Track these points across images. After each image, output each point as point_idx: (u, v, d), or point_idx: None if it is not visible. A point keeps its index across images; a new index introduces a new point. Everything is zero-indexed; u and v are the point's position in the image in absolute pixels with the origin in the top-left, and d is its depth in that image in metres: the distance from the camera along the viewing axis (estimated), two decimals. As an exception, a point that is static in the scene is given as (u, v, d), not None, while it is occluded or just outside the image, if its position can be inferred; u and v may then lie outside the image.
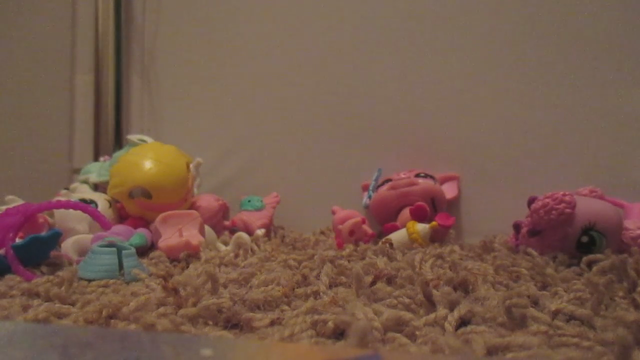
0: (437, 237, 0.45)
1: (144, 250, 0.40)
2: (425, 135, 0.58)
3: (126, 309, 0.21)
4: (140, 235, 0.40)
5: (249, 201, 0.56)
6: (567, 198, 0.38)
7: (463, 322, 0.20)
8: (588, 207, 0.39)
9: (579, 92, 0.54)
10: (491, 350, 0.17)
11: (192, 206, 0.50)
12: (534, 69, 0.55)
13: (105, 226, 0.40)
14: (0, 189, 0.50)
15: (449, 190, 0.55)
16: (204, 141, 0.67)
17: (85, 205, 0.41)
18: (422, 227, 0.44)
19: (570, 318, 0.21)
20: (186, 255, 0.38)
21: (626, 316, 0.20)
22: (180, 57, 0.71)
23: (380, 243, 0.42)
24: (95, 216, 0.41)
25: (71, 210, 0.40)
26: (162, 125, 0.71)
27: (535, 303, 0.22)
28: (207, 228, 0.44)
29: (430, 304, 0.22)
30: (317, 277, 0.29)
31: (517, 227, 0.43)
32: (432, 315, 0.20)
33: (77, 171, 0.67)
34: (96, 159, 0.67)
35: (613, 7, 0.53)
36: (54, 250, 0.36)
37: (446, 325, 0.20)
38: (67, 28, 0.74)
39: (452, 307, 0.21)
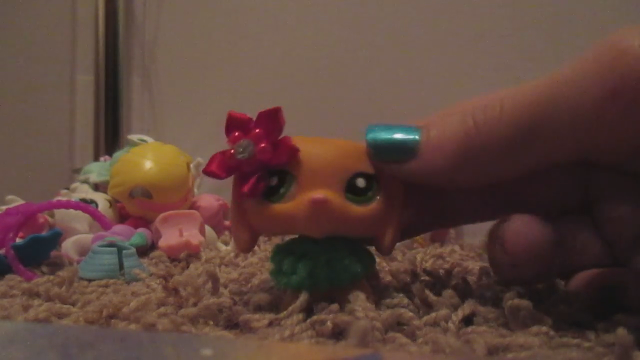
0: (437, 237, 0.45)
1: (144, 250, 0.40)
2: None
3: (126, 308, 0.21)
4: (140, 235, 0.40)
5: (249, 201, 0.55)
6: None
7: (464, 322, 0.20)
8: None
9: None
10: (492, 351, 0.17)
11: (192, 206, 0.50)
12: (535, 68, 0.55)
13: (106, 226, 0.40)
14: (0, 189, 0.50)
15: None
16: (204, 141, 0.67)
17: (86, 205, 0.41)
18: (422, 227, 0.44)
19: (571, 319, 0.21)
20: (186, 255, 0.38)
21: (627, 317, 0.20)
22: (181, 57, 0.71)
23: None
24: (96, 216, 0.41)
25: (71, 210, 0.40)
26: (162, 125, 0.71)
27: (536, 303, 0.22)
28: (207, 228, 0.44)
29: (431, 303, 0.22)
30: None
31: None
32: (433, 315, 0.20)
33: (77, 171, 0.67)
34: (96, 159, 0.67)
35: (615, 5, 0.53)
36: (54, 250, 0.36)
37: (450, 325, 0.20)
38: (67, 28, 0.74)
39: (453, 307, 0.21)
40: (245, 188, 0.20)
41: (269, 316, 0.21)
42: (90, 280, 0.30)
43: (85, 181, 0.54)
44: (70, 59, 0.73)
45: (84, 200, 0.44)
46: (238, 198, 0.22)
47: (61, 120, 0.74)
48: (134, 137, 0.54)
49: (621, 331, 0.16)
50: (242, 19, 0.68)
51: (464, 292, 0.24)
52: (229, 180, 0.22)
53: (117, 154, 0.53)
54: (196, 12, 0.70)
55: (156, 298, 0.23)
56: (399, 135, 0.21)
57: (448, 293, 0.22)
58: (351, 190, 0.21)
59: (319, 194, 0.19)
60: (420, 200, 0.24)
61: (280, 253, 0.22)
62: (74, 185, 0.53)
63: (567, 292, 0.23)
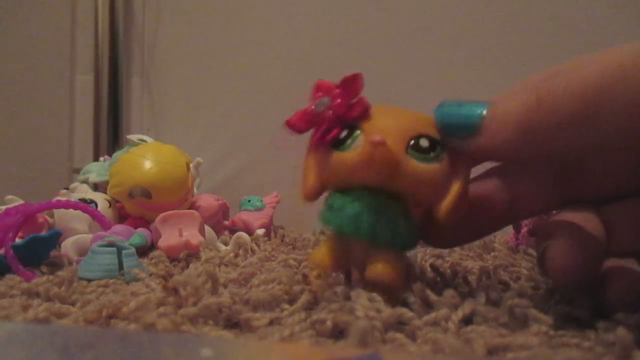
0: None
1: (144, 250, 0.40)
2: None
3: (126, 308, 0.21)
4: (140, 235, 0.40)
5: (249, 201, 0.56)
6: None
7: (464, 322, 0.20)
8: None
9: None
10: (491, 350, 0.17)
11: (192, 206, 0.50)
12: (536, 67, 0.55)
13: (105, 226, 0.40)
14: (0, 189, 0.50)
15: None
16: (204, 141, 0.67)
17: (85, 205, 0.41)
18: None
19: (571, 318, 0.21)
20: (186, 255, 0.38)
21: (627, 317, 0.20)
22: (181, 57, 0.71)
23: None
24: (95, 216, 0.41)
25: (71, 210, 0.40)
26: (162, 125, 0.71)
27: (536, 303, 0.22)
28: (207, 228, 0.44)
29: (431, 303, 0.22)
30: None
31: (517, 227, 0.43)
32: (433, 315, 0.20)
33: (77, 171, 0.67)
34: (96, 159, 0.67)
35: (616, 5, 0.53)
36: (53, 250, 0.36)
37: (449, 324, 0.20)
38: (67, 28, 0.74)
39: (454, 307, 0.21)
40: (315, 137, 0.23)
41: (269, 315, 0.21)
42: (89, 280, 0.30)
43: (85, 181, 0.54)
44: (70, 58, 0.73)
45: (83, 200, 0.44)
46: (310, 147, 0.24)
47: (61, 120, 0.74)
48: (133, 137, 0.54)
49: (621, 331, 0.16)
50: (241, 19, 0.68)
51: (464, 291, 0.24)
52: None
53: (117, 154, 0.53)
54: (196, 12, 0.70)
55: (156, 298, 0.23)
56: (464, 112, 0.21)
57: (449, 293, 0.22)
58: (414, 149, 0.21)
59: (378, 136, 0.20)
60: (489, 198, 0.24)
61: (336, 193, 0.23)
62: (73, 185, 0.53)
63: (567, 292, 0.23)
